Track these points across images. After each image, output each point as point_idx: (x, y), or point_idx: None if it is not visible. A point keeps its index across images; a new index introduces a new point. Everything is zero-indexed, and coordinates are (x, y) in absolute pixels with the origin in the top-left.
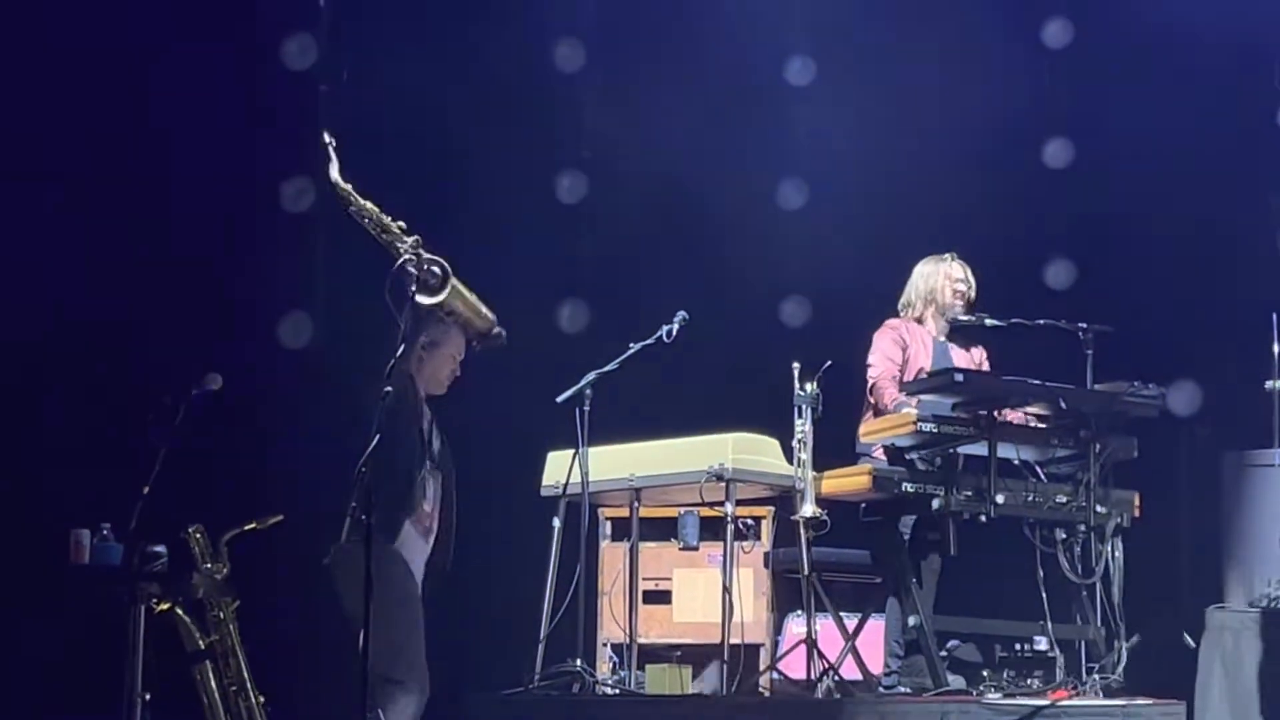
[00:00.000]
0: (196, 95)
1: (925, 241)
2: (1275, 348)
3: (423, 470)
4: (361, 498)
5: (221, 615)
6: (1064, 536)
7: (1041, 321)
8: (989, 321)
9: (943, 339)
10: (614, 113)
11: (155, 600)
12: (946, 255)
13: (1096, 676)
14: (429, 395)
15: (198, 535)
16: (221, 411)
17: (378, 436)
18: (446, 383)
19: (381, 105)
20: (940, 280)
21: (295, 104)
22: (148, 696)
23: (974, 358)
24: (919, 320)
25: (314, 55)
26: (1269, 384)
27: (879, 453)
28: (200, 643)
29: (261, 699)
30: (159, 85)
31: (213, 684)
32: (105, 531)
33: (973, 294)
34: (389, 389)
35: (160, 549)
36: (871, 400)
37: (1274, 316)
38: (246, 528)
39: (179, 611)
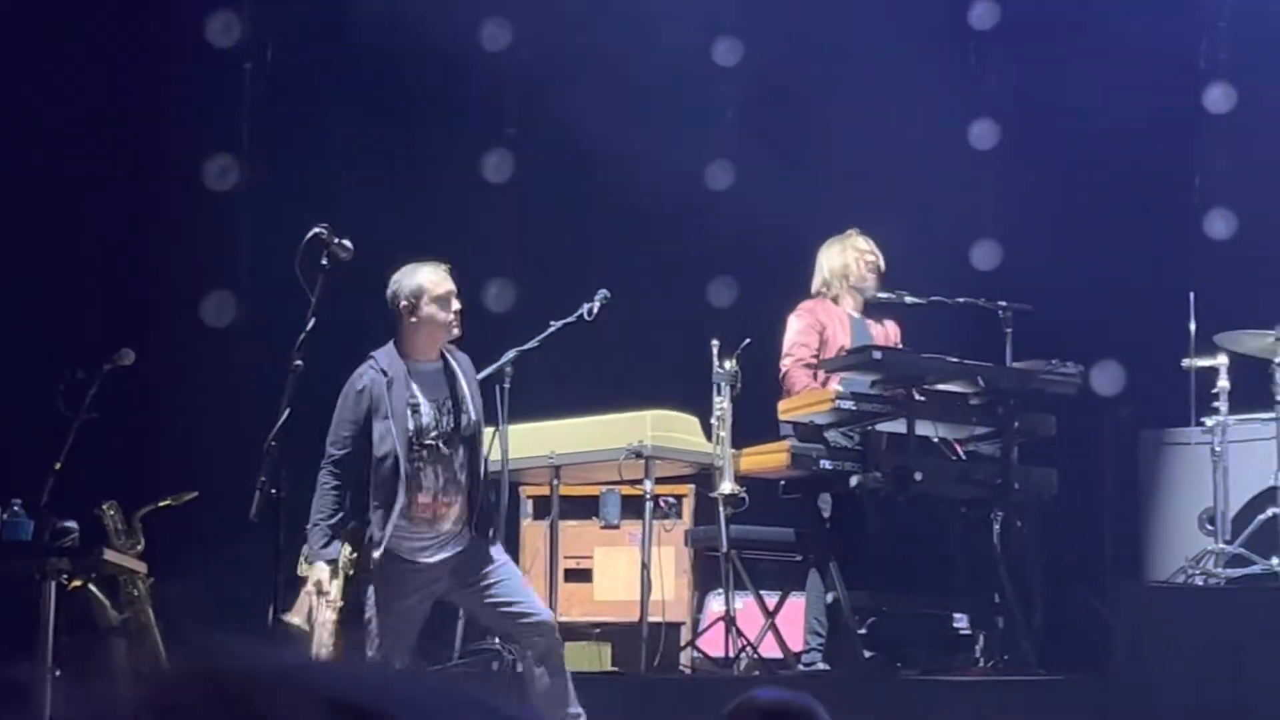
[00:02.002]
0: (120, 72)
1: (851, 221)
2: (1192, 327)
3: (409, 458)
4: (270, 472)
5: (135, 592)
6: (982, 514)
7: (961, 300)
8: (908, 299)
9: (859, 316)
10: (540, 91)
11: (66, 576)
12: (850, 231)
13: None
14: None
15: (111, 511)
16: (138, 387)
17: (287, 410)
18: (448, 329)
19: (306, 83)
20: (850, 256)
21: (219, 82)
22: (58, 673)
23: (888, 332)
24: (835, 300)
25: (237, 33)
26: (1185, 363)
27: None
28: (114, 619)
29: None
30: (83, 62)
31: (125, 661)
32: (15, 507)
33: (882, 264)
34: (298, 362)
35: (71, 525)
36: (784, 387)
37: (1191, 296)
38: (161, 504)
39: (91, 588)
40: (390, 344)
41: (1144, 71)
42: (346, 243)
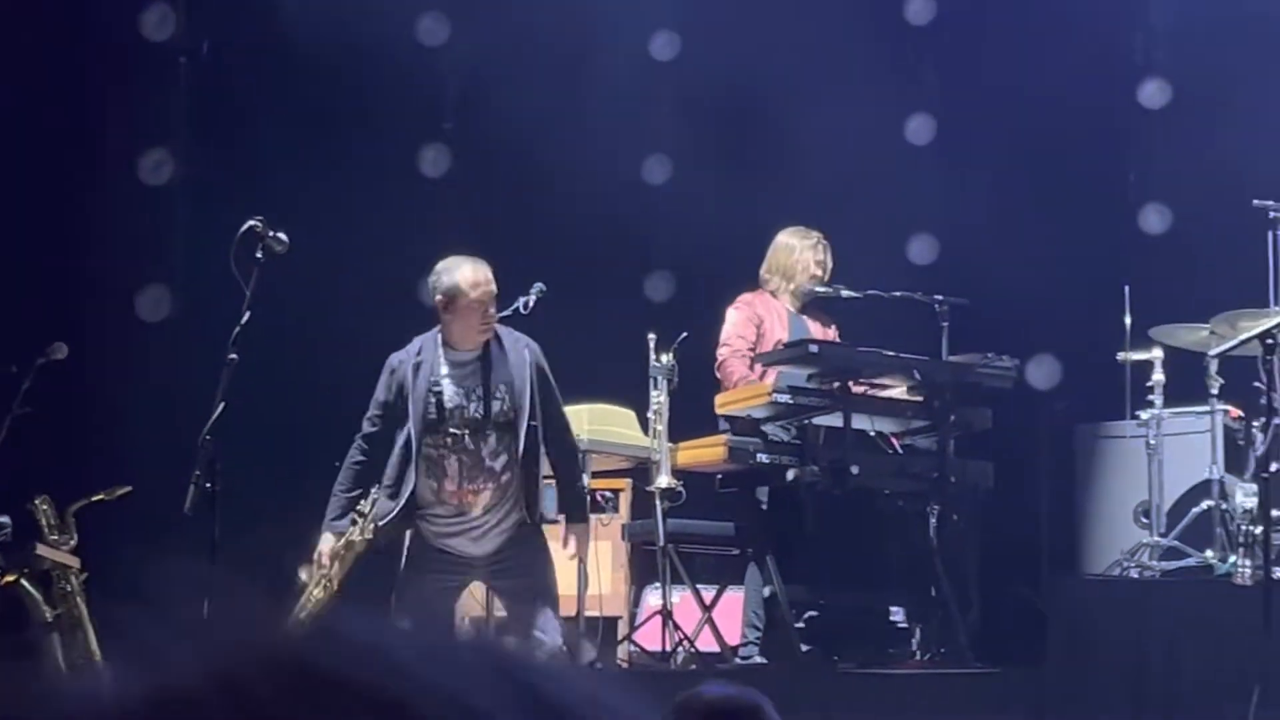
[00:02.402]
0: (55, 66)
1: (789, 216)
2: (1127, 320)
3: (428, 443)
4: (205, 466)
5: (69, 587)
6: (919, 507)
7: (898, 294)
8: (845, 293)
9: (797, 311)
10: (478, 85)
11: None
12: (812, 234)
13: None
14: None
15: (44, 506)
16: (71, 381)
17: (222, 404)
18: (483, 328)
19: (242, 77)
20: (801, 262)
21: (154, 76)
22: None
23: (827, 330)
24: (774, 294)
25: (172, 27)
26: (1121, 356)
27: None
28: (47, 615)
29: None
30: (16, 54)
31: (59, 656)
32: None
33: (826, 277)
34: (233, 356)
35: (4, 520)
36: (721, 378)
37: (1126, 290)
38: (94, 498)
39: (24, 583)
40: (437, 328)
41: (1079, 67)
42: (282, 236)
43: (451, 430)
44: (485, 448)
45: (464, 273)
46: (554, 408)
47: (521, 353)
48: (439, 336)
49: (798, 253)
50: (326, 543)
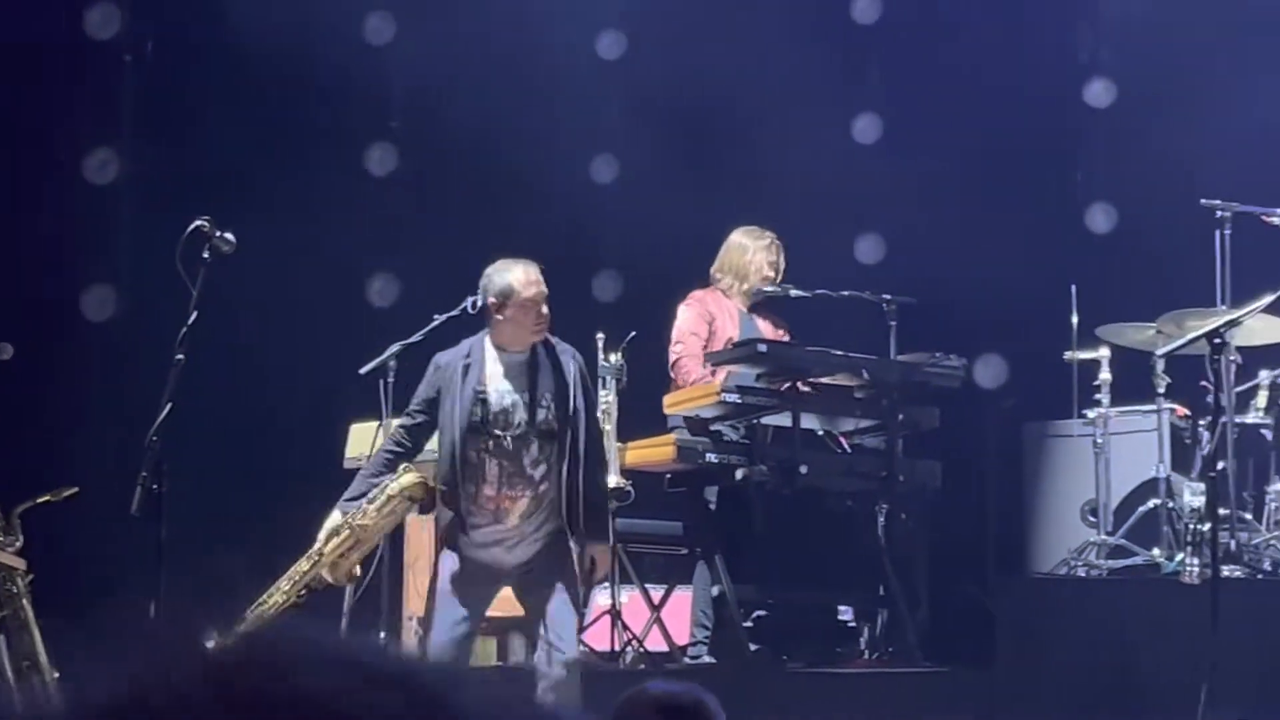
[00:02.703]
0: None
1: (736, 215)
2: (1074, 319)
3: (469, 444)
4: (151, 467)
5: (14, 589)
6: (867, 507)
7: (846, 293)
8: (794, 292)
9: (748, 310)
10: (425, 84)
11: None
12: (766, 235)
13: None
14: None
15: None
16: (17, 382)
17: (169, 405)
18: (536, 329)
19: (187, 76)
20: (755, 262)
21: (99, 75)
22: None
23: (778, 334)
24: (725, 292)
25: (117, 25)
26: (1068, 355)
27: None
28: None
29: (55, 674)
30: None
31: (4, 658)
32: None
33: (778, 278)
34: (180, 356)
35: None
36: (674, 376)
37: (1073, 289)
38: (40, 500)
39: None
40: (484, 330)
41: (1025, 66)
42: (229, 235)
43: (495, 433)
44: (527, 455)
45: (516, 274)
46: (593, 423)
47: (568, 363)
48: (486, 339)
49: (751, 253)
50: (331, 520)
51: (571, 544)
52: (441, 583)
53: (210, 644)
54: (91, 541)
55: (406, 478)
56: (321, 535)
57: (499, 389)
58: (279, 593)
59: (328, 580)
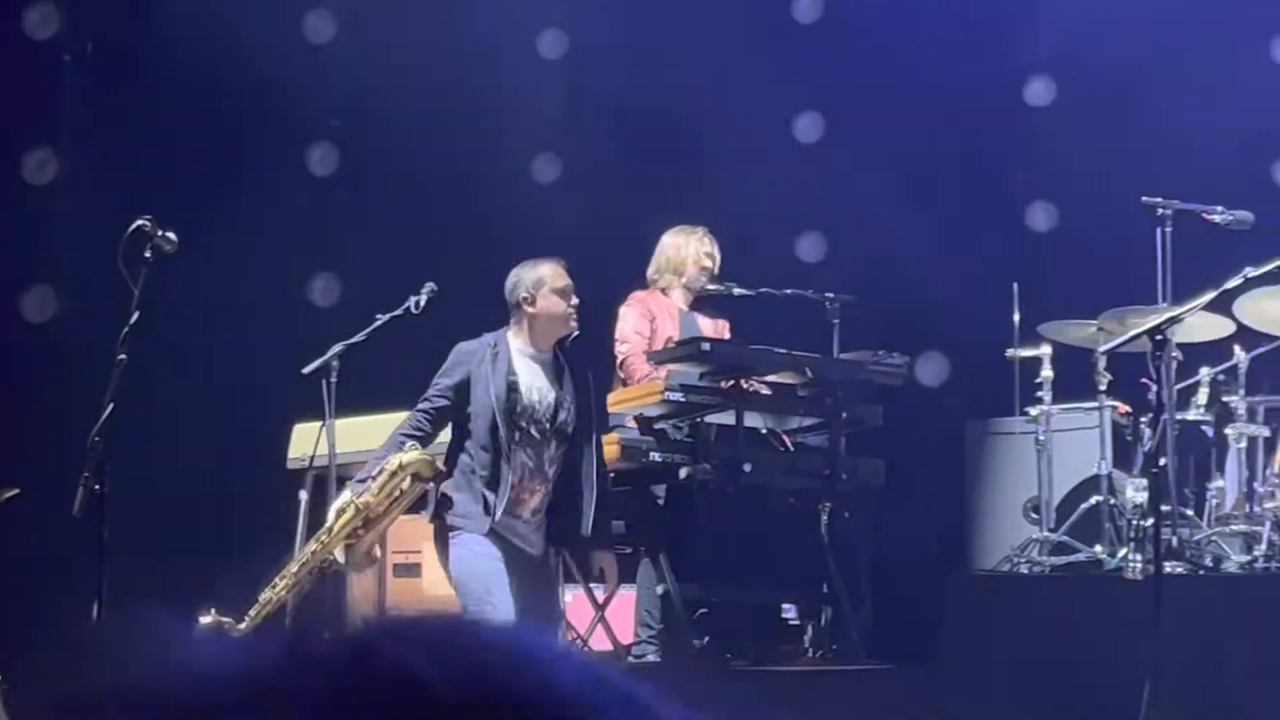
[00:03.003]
0: None
1: (678, 214)
2: (1015, 317)
3: (506, 431)
4: (93, 468)
5: None
6: (811, 505)
7: (789, 291)
8: (736, 291)
9: (688, 309)
10: (366, 83)
11: None
12: (697, 229)
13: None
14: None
15: None
16: None
17: (111, 405)
18: (566, 322)
19: (127, 75)
20: (689, 253)
21: (38, 74)
22: None
23: (718, 327)
24: (664, 291)
25: (56, 25)
26: (1010, 353)
27: (630, 422)
28: None
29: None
30: None
31: None
32: None
33: (716, 269)
34: (122, 356)
35: None
36: (621, 375)
37: (1014, 287)
38: None
39: None
40: (505, 328)
41: (966, 65)
42: (170, 235)
43: (523, 425)
44: (547, 452)
45: (545, 268)
46: (601, 435)
47: (585, 374)
48: (509, 336)
49: (684, 248)
50: (339, 499)
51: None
52: (476, 564)
53: (209, 620)
54: (33, 542)
55: (410, 454)
56: (330, 514)
57: (528, 383)
58: (289, 575)
59: (340, 562)
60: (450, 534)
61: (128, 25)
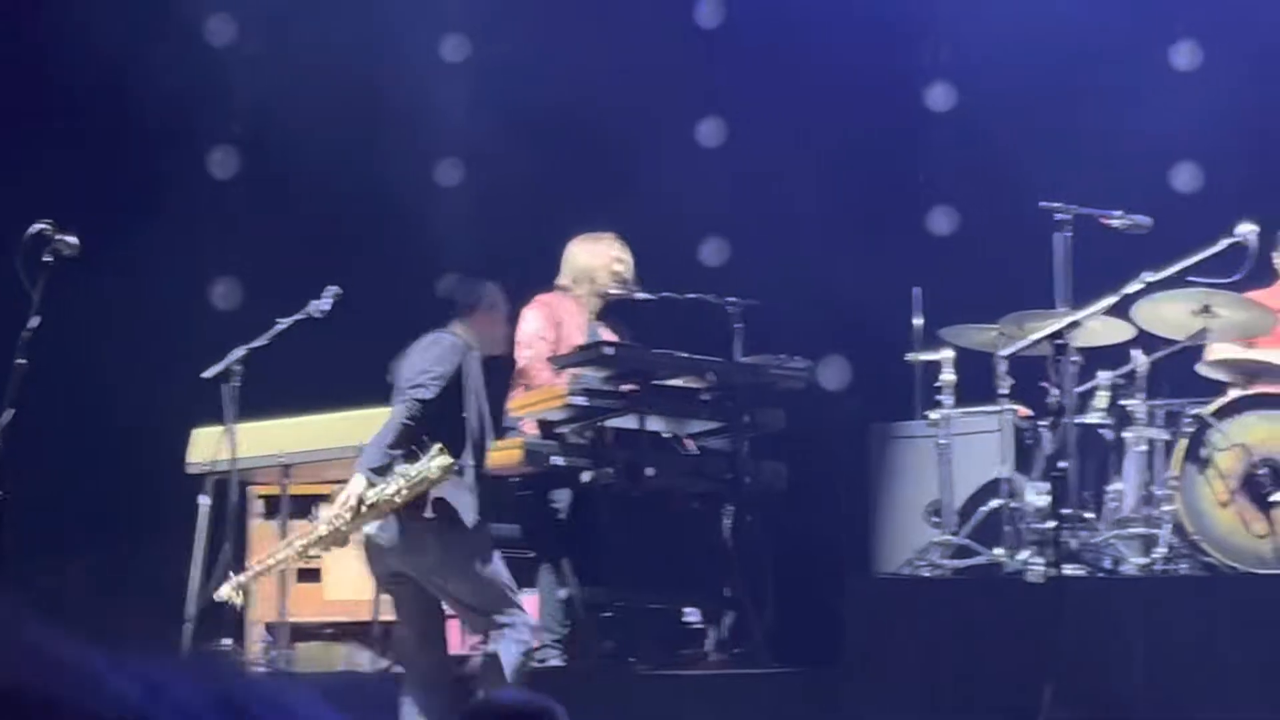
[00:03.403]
0: None
1: (580, 218)
2: (917, 321)
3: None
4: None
5: None
6: (714, 508)
7: (691, 296)
8: (640, 295)
9: (594, 316)
10: (268, 86)
11: None
12: (605, 235)
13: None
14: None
15: None
16: None
17: (11, 411)
18: (505, 335)
19: (25, 75)
20: (600, 261)
21: None
22: None
23: (622, 334)
24: (573, 298)
25: None
26: (911, 357)
27: (527, 426)
28: None
29: None
30: None
31: None
32: None
33: (629, 274)
34: (21, 361)
35: None
36: (522, 381)
37: (916, 291)
38: None
39: None
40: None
41: (867, 70)
42: (71, 239)
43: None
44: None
45: (490, 286)
46: None
47: None
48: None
49: (596, 255)
50: (358, 485)
51: None
52: (495, 559)
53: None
54: None
55: (441, 460)
56: (345, 500)
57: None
58: (289, 548)
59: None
60: (453, 532)
61: (22, 26)
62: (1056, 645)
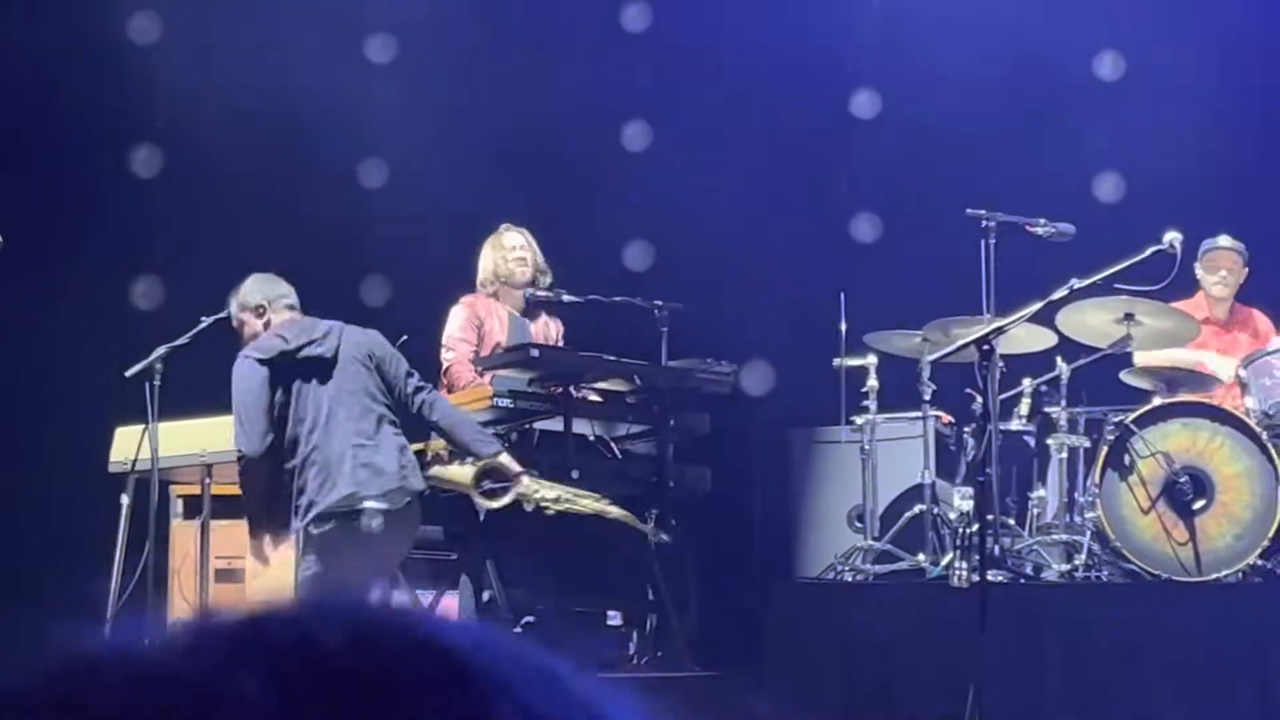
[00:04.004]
0: None
1: (505, 218)
2: (842, 326)
3: None
4: None
5: None
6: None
7: (618, 299)
8: (566, 297)
9: (518, 314)
10: (191, 85)
11: None
12: (500, 228)
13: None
14: None
15: None
16: None
17: None
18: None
19: None
20: (498, 254)
21: None
22: None
23: (550, 331)
24: (495, 296)
25: None
26: (836, 362)
27: None
28: None
29: None
30: None
31: None
32: None
33: (537, 258)
34: None
35: None
36: (445, 382)
37: (841, 297)
38: None
39: None
40: None
41: (792, 76)
42: None
43: None
44: None
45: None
46: None
47: None
48: None
49: (495, 250)
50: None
51: None
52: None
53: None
54: None
55: None
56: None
57: None
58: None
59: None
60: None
61: None
62: (978, 651)
